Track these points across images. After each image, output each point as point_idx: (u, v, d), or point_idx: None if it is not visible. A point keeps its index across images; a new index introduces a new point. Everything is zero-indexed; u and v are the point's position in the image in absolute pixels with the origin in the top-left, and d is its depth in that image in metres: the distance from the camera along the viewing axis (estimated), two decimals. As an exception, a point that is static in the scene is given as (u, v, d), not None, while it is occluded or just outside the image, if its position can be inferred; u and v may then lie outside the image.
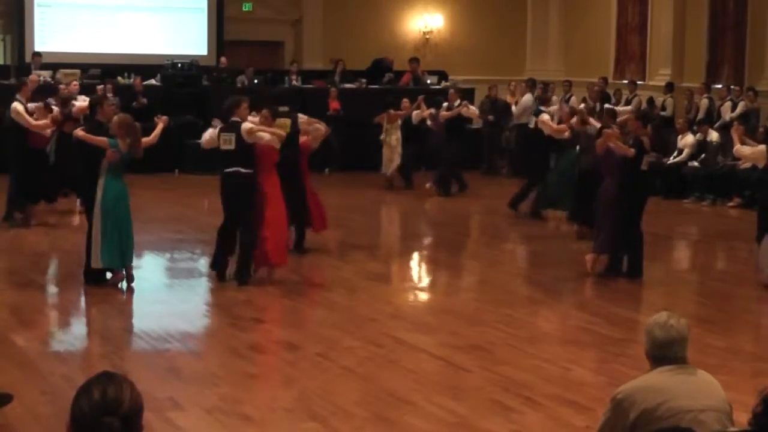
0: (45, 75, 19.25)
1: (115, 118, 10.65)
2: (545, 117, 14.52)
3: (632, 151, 11.24)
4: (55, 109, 14.58)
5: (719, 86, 20.28)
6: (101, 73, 20.12)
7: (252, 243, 10.68)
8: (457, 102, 17.70)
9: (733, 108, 19.17)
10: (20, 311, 9.80)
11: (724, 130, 17.44)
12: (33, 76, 18.49)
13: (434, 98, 18.34)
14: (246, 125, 10.74)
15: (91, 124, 11.11)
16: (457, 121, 17.66)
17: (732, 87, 19.84)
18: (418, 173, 18.37)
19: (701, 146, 18.01)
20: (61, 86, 16.76)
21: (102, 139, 10.41)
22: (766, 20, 20.14)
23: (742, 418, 4.84)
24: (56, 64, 20.07)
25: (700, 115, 19.36)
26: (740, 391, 6.43)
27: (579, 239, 13.41)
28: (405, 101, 18.40)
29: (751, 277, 11.89)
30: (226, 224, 10.96)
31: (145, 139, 10.67)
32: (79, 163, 11.62)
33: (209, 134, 11.16)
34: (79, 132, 10.74)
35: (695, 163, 17.87)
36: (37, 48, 20.85)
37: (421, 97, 18.50)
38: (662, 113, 20.11)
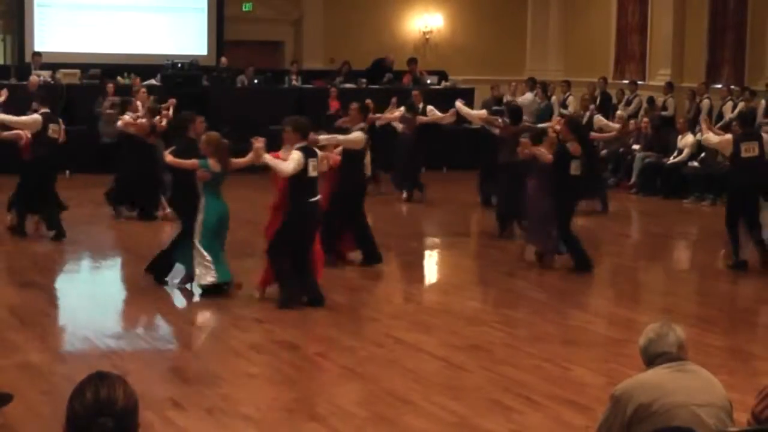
0: (45, 75, 19.28)
1: (204, 136, 10.50)
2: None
3: (550, 157, 11.71)
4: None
5: (719, 86, 20.31)
6: (101, 73, 20.13)
7: None
8: (421, 105, 17.08)
9: (734, 108, 19.19)
10: (20, 311, 9.80)
11: (726, 130, 17.44)
12: (33, 77, 18.55)
13: (406, 101, 17.44)
14: (321, 152, 10.35)
15: (183, 142, 10.96)
16: (430, 125, 17.06)
17: (732, 87, 19.87)
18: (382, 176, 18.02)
19: (701, 146, 18.00)
20: (133, 100, 15.73)
21: (191, 162, 10.26)
22: (766, 20, 20.15)
23: (742, 417, 4.85)
24: (56, 64, 20.09)
25: (702, 115, 19.36)
26: (740, 391, 6.44)
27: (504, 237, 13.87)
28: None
29: (751, 277, 11.89)
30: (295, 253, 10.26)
31: (238, 161, 10.38)
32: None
33: (294, 160, 9.90)
34: (169, 157, 10.59)
35: (695, 163, 17.87)
36: (37, 48, 20.87)
37: (394, 100, 17.69)
38: (663, 113, 20.12)
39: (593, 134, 15.34)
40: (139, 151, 14.32)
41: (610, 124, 16.44)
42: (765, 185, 12.17)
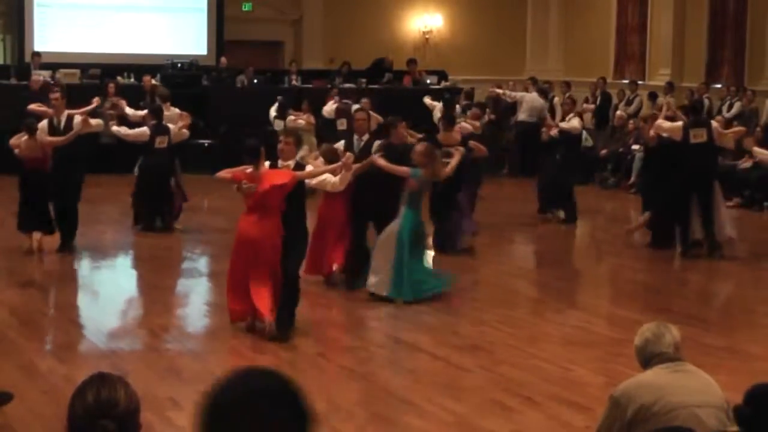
0: (45, 75, 19.26)
1: (419, 147, 10.38)
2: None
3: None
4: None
5: (719, 86, 20.33)
6: (101, 73, 20.12)
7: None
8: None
9: (730, 108, 19.26)
10: (20, 311, 9.80)
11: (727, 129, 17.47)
12: (34, 77, 18.53)
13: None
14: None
15: (387, 148, 10.74)
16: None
17: (730, 87, 19.92)
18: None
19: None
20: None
21: (403, 170, 10.14)
22: (766, 20, 20.16)
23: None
24: (56, 64, 20.08)
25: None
26: (740, 391, 6.41)
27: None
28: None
29: (751, 276, 11.89)
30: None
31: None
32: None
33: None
34: (380, 161, 10.28)
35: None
36: (37, 48, 20.86)
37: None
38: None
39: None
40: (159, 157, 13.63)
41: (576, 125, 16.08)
42: (713, 168, 13.03)
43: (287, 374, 2.34)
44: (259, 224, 8.80)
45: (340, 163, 9.50)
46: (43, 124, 12.18)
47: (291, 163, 9.23)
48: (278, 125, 15.25)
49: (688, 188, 12.73)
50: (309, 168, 9.47)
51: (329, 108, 15.77)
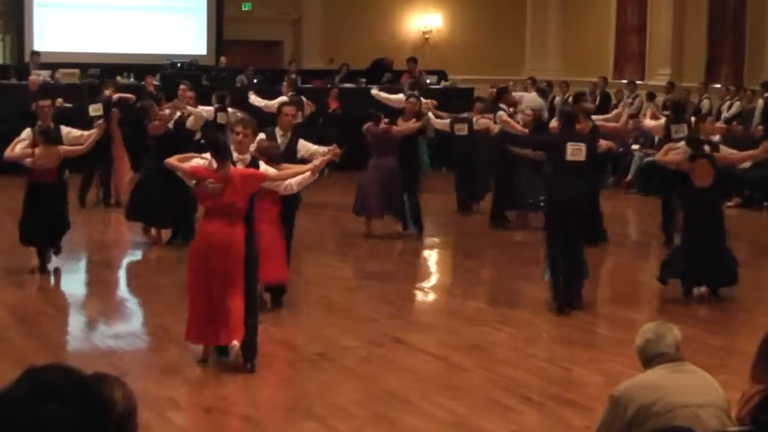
0: (44, 74, 19.26)
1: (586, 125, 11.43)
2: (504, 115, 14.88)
3: (414, 126, 13.89)
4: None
5: (718, 86, 20.35)
6: (101, 72, 20.11)
7: None
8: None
9: (730, 108, 19.29)
10: (20, 311, 9.80)
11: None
12: (33, 77, 18.52)
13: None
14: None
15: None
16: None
17: (730, 87, 19.95)
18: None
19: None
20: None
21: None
22: (765, 20, 20.18)
23: (742, 418, 4.84)
24: (56, 63, 20.08)
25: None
26: (740, 391, 6.41)
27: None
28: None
29: (751, 277, 11.88)
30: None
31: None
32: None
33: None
34: (606, 144, 11.21)
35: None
36: (37, 47, 20.85)
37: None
38: (665, 113, 20.13)
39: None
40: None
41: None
42: None
43: (82, 371, 2.26)
44: (230, 230, 7.83)
45: (309, 165, 8.74)
46: (28, 132, 11.13)
47: (247, 156, 8.37)
48: (222, 118, 14.98)
49: (674, 182, 12.85)
50: (263, 166, 8.45)
51: (272, 102, 15.15)
